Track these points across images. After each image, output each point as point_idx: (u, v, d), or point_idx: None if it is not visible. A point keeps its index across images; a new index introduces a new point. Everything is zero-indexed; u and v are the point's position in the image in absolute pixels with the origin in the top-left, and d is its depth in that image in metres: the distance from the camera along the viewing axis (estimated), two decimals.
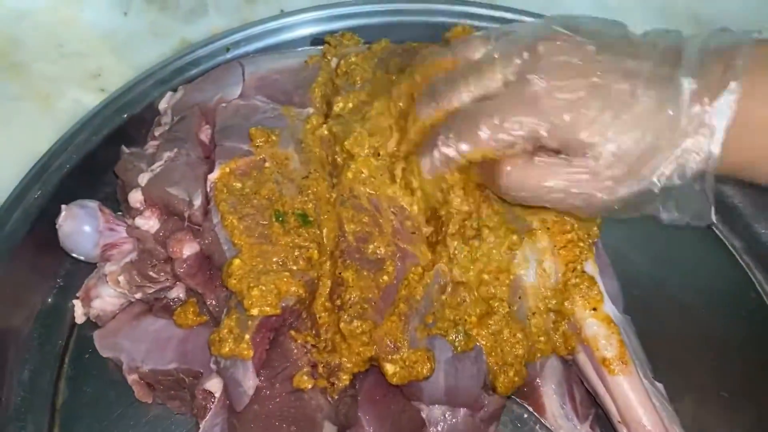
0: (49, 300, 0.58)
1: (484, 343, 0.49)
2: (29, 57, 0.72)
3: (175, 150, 0.54)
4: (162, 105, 0.60)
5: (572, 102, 0.43)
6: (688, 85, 0.42)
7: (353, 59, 0.60)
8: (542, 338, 0.51)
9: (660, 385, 0.52)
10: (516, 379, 0.50)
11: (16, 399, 0.54)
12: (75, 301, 0.56)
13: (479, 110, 0.46)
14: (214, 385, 0.49)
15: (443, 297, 0.50)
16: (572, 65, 0.44)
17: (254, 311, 0.47)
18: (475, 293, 0.50)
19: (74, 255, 0.55)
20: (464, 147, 0.46)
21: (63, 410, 0.54)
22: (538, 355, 0.51)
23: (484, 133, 0.45)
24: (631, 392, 0.49)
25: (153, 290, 0.52)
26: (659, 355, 0.53)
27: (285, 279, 0.48)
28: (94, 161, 0.60)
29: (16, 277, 0.56)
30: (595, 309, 0.51)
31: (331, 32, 0.67)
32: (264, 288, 0.47)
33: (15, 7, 0.75)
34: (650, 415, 0.48)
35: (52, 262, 0.59)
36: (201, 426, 0.49)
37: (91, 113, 0.62)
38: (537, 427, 0.54)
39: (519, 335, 0.50)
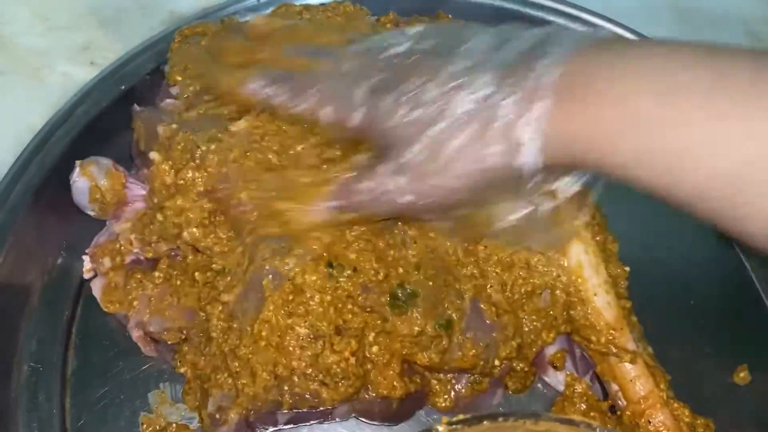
0: (55, 268, 0.57)
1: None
2: (15, 31, 0.71)
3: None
4: None
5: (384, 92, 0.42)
6: (494, 85, 0.38)
7: None
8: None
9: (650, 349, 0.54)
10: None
11: (27, 370, 0.53)
12: (84, 257, 0.56)
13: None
14: None
15: None
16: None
17: None
18: None
19: (87, 212, 0.56)
20: None
21: (73, 379, 0.54)
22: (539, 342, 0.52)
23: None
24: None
25: (165, 249, 0.52)
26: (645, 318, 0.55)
27: None
28: (95, 128, 0.60)
29: (22, 245, 0.55)
30: None
31: None
32: None
33: None
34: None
35: (56, 231, 0.58)
36: None
37: (90, 83, 0.61)
38: (538, 385, 0.56)
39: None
